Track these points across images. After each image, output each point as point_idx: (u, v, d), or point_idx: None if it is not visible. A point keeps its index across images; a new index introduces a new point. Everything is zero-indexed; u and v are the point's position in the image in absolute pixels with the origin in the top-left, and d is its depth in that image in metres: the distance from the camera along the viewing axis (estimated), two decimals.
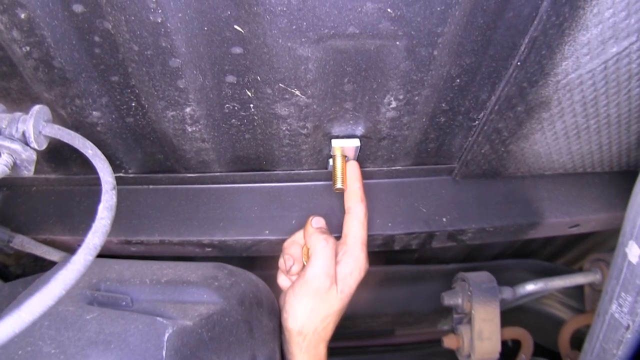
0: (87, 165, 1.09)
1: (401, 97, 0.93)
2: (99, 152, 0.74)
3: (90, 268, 1.03)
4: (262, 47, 0.79)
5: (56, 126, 0.77)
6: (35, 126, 0.74)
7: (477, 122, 1.04)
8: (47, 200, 1.24)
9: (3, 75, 0.88)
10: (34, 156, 0.76)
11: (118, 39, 0.80)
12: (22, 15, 0.75)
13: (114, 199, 0.68)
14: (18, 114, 0.76)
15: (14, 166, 0.74)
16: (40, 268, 1.47)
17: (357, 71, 0.86)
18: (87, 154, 0.74)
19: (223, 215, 1.20)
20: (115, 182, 0.71)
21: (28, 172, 0.76)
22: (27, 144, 0.74)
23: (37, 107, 0.75)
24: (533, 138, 1.06)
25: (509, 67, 0.90)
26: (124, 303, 0.95)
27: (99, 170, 0.71)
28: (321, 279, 0.99)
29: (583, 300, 1.53)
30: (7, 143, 0.72)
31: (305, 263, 1.07)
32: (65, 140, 0.76)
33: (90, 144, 0.75)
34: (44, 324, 0.89)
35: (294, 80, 0.86)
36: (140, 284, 0.99)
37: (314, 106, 0.93)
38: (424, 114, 1.00)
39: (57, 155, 1.11)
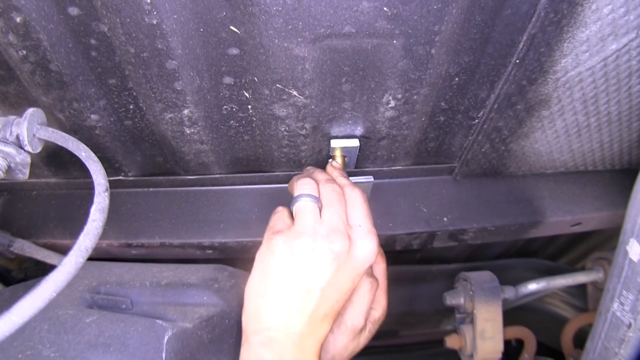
0: (86, 168, 1.09)
1: (400, 96, 0.92)
2: (92, 154, 0.74)
3: (90, 271, 1.04)
4: (259, 47, 0.79)
5: (50, 129, 0.77)
6: (29, 129, 0.74)
7: (476, 120, 1.04)
8: (48, 204, 1.24)
9: (0, 79, 0.88)
10: (28, 159, 0.76)
11: (114, 42, 0.80)
12: (18, 19, 0.75)
13: (107, 201, 0.68)
14: (12, 117, 0.75)
15: (9, 170, 0.74)
16: (42, 272, 1.47)
17: (354, 71, 0.86)
18: (80, 156, 0.74)
19: (223, 217, 1.20)
20: (108, 184, 0.70)
21: (23, 175, 0.75)
22: (21, 147, 0.74)
23: (30, 110, 0.75)
24: (533, 136, 1.06)
25: (508, 65, 0.89)
26: (124, 306, 0.95)
27: (91, 172, 0.71)
28: (360, 319, 0.95)
29: (586, 299, 1.52)
30: (0, 146, 0.71)
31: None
32: (59, 143, 0.76)
33: (84, 146, 0.75)
34: (43, 327, 0.89)
35: (291, 80, 0.85)
36: (140, 286, 0.99)
37: (312, 106, 0.92)
38: (423, 113, 0.99)
39: (56, 159, 1.11)
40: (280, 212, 0.93)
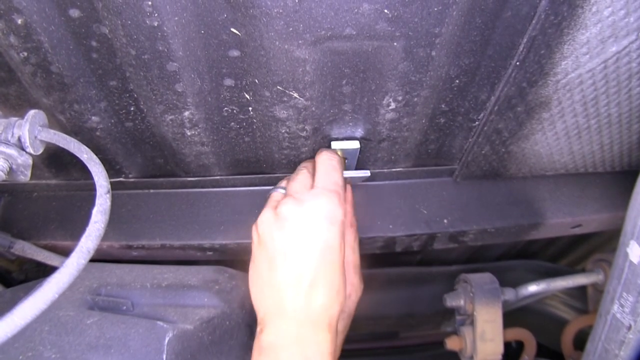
0: (87, 170, 1.10)
1: (400, 98, 0.92)
2: (93, 156, 0.74)
3: (91, 272, 1.04)
4: (259, 49, 0.79)
5: (52, 131, 0.77)
6: (31, 131, 0.74)
7: (477, 122, 1.04)
8: (48, 206, 1.24)
9: (1, 81, 0.88)
10: (30, 161, 0.76)
11: (115, 44, 0.80)
12: (19, 21, 0.75)
13: (108, 203, 0.68)
14: (13, 119, 0.76)
15: (10, 171, 0.74)
16: (43, 274, 1.47)
17: (355, 73, 0.86)
18: (82, 158, 0.74)
19: (224, 218, 1.20)
20: (109, 186, 0.71)
21: (24, 177, 0.75)
22: (22, 149, 0.74)
23: (32, 112, 0.75)
24: (534, 138, 1.06)
25: (508, 67, 0.89)
26: (125, 307, 0.95)
27: (93, 174, 0.71)
28: None
29: (586, 301, 1.52)
30: (2, 148, 0.72)
31: None
32: (61, 145, 0.76)
33: (86, 148, 0.75)
34: (44, 329, 0.90)
35: (291, 82, 0.85)
36: (140, 288, 0.99)
37: (313, 108, 0.92)
38: (423, 115, 0.99)
39: (57, 160, 1.11)
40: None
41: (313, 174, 0.93)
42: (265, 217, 0.88)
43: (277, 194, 0.95)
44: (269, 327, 0.83)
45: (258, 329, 0.85)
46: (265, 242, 0.87)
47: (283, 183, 0.97)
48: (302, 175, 0.93)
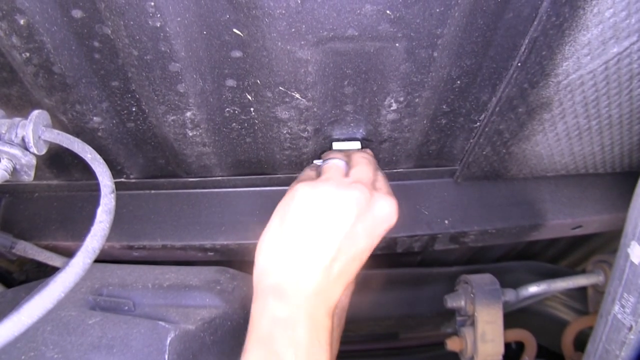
0: (88, 170, 1.09)
1: (402, 99, 0.92)
2: (97, 156, 0.74)
3: (93, 273, 1.04)
4: (262, 50, 0.79)
5: (55, 131, 0.77)
6: (35, 131, 0.74)
7: (478, 123, 1.04)
8: (49, 207, 1.24)
9: (3, 81, 0.88)
10: (34, 161, 0.76)
11: (117, 44, 0.80)
12: (22, 21, 0.75)
13: (113, 203, 0.69)
14: (17, 119, 0.76)
15: (14, 171, 0.74)
16: (44, 274, 1.47)
17: (357, 73, 0.86)
18: (86, 158, 0.74)
19: (225, 219, 1.20)
20: (114, 186, 0.71)
21: (28, 177, 0.76)
22: (26, 149, 0.74)
23: (36, 112, 0.76)
24: (535, 139, 1.06)
25: (510, 68, 0.90)
26: (127, 308, 0.95)
27: (97, 174, 0.71)
28: None
29: (586, 302, 1.52)
30: (6, 148, 0.72)
31: None
32: (65, 145, 0.76)
33: (89, 148, 0.76)
34: (46, 328, 0.90)
35: (294, 83, 0.86)
36: (142, 288, 0.99)
37: (315, 109, 0.93)
38: (424, 116, 0.99)
39: (58, 161, 1.11)
40: (308, 170, 0.96)
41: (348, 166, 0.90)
42: (307, 185, 0.83)
43: (340, 162, 0.90)
44: (287, 298, 0.78)
45: (269, 292, 0.79)
46: (301, 206, 0.82)
47: (335, 154, 0.92)
48: (369, 166, 0.89)
